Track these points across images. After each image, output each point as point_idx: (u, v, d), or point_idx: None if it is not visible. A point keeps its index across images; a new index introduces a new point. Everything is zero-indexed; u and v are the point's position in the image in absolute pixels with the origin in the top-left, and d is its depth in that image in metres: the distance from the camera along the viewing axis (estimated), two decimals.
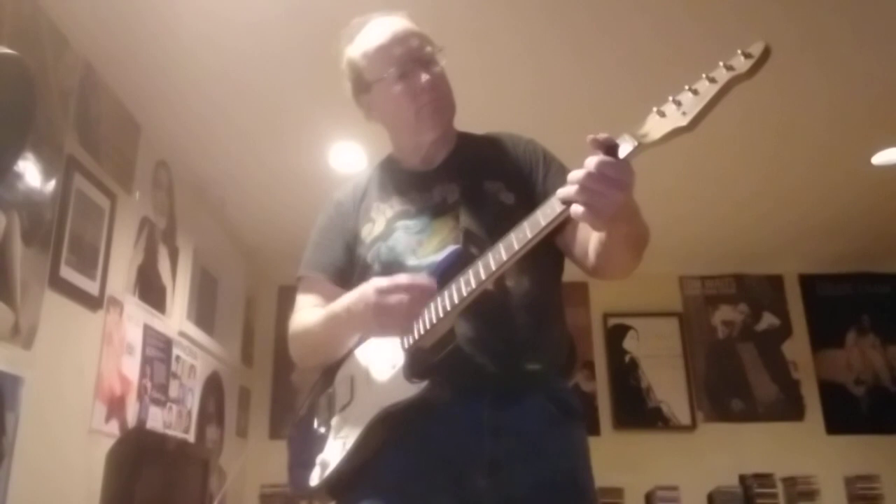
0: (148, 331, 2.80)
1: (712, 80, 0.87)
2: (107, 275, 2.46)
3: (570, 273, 1.28)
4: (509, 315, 1.16)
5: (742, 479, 3.99)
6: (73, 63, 2.30)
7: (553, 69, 2.58)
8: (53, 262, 2.14)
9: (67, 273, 2.21)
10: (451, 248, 1.15)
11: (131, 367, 2.64)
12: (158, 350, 2.90)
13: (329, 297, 1.27)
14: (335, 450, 1.17)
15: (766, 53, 0.84)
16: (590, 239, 1.13)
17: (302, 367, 1.36)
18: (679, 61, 2.24)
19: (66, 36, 2.24)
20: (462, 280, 1.07)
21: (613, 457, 3.79)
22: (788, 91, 2.69)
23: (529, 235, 1.00)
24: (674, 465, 4.06)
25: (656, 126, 0.90)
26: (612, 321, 4.48)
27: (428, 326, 1.08)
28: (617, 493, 3.94)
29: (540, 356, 1.17)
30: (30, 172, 2.03)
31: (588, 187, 0.92)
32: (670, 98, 0.90)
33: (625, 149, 0.92)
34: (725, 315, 4.53)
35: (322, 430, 1.22)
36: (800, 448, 4.14)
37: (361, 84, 1.33)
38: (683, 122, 0.87)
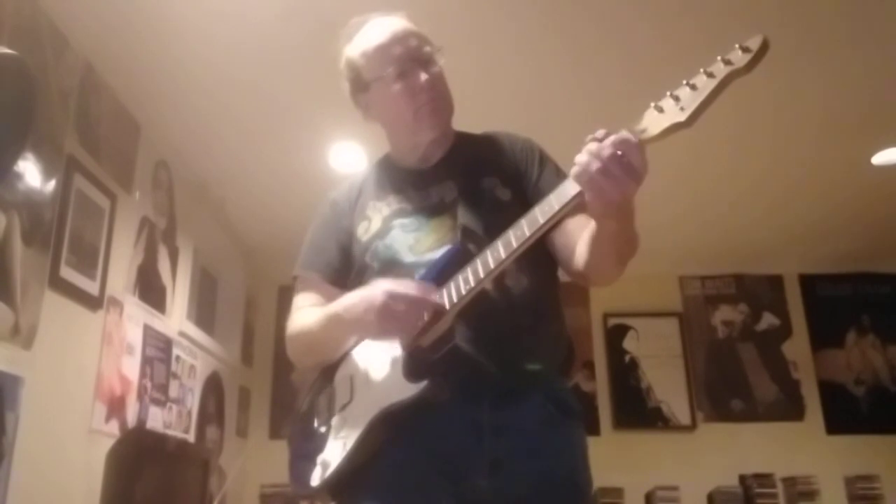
0: (148, 331, 2.80)
1: (710, 75, 0.86)
2: (107, 275, 2.46)
3: None
4: (508, 314, 1.16)
5: (742, 479, 3.99)
6: (73, 63, 2.30)
7: (550, 68, 2.58)
8: (53, 262, 2.14)
9: (67, 273, 2.21)
10: (449, 247, 1.15)
11: (131, 367, 2.64)
12: (158, 350, 2.90)
13: (325, 297, 1.27)
14: (335, 450, 1.17)
15: (765, 47, 0.83)
16: (577, 240, 1.13)
17: (300, 367, 1.36)
18: (676, 60, 2.19)
19: (66, 36, 2.24)
20: (461, 278, 1.07)
21: (613, 457, 3.79)
22: (788, 91, 2.68)
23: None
24: (674, 465, 4.06)
25: (654, 122, 0.89)
26: (612, 321, 4.47)
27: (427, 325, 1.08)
28: (617, 493, 3.93)
29: (539, 356, 1.16)
30: (30, 172, 2.03)
31: (608, 168, 0.90)
32: (668, 93, 0.89)
33: None
34: (725, 315, 4.52)
35: (322, 429, 1.22)
36: (800, 448, 4.13)
37: (360, 83, 1.32)
38: (682, 117, 0.86)
